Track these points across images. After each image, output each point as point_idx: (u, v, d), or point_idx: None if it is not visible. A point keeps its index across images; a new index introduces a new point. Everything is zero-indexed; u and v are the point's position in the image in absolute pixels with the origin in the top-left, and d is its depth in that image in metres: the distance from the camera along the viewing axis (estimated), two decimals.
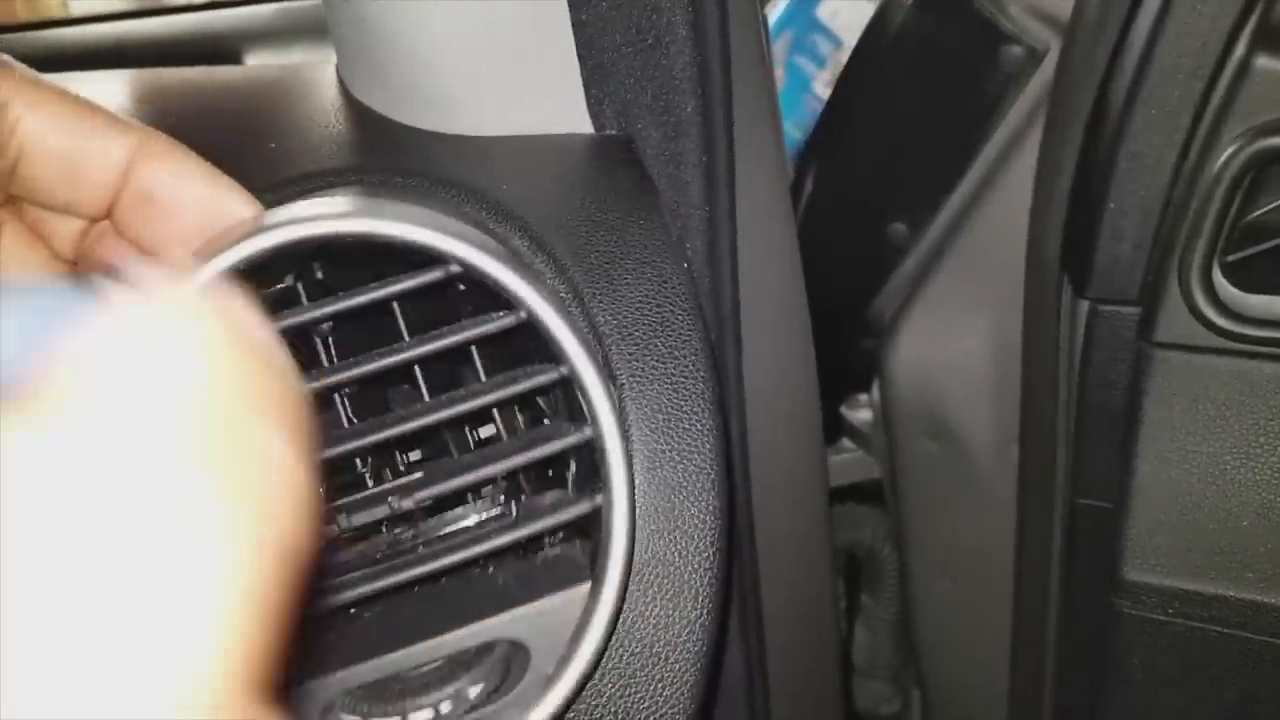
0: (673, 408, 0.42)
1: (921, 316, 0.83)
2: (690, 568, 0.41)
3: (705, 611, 0.41)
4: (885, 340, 0.85)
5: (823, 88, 1.21)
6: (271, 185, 0.44)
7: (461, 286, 0.40)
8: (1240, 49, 0.57)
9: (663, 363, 0.43)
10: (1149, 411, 0.61)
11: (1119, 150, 0.61)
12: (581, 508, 0.38)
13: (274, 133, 0.53)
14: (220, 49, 0.77)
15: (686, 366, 0.43)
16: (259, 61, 0.77)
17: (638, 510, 0.39)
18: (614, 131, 0.52)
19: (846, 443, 0.94)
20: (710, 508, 0.42)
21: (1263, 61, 0.57)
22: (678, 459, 0.41)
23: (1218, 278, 0.59)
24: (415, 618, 0.38)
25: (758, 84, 0.60)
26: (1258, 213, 0.60)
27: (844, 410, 0.94)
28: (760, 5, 0.81)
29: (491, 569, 0.39)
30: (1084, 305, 0.65)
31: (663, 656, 0.40)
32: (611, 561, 0.38)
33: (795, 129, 1.09)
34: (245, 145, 0.51)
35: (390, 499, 0.37)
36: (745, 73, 0.57)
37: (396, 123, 0.51)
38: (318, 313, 0.37)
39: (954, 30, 0.72)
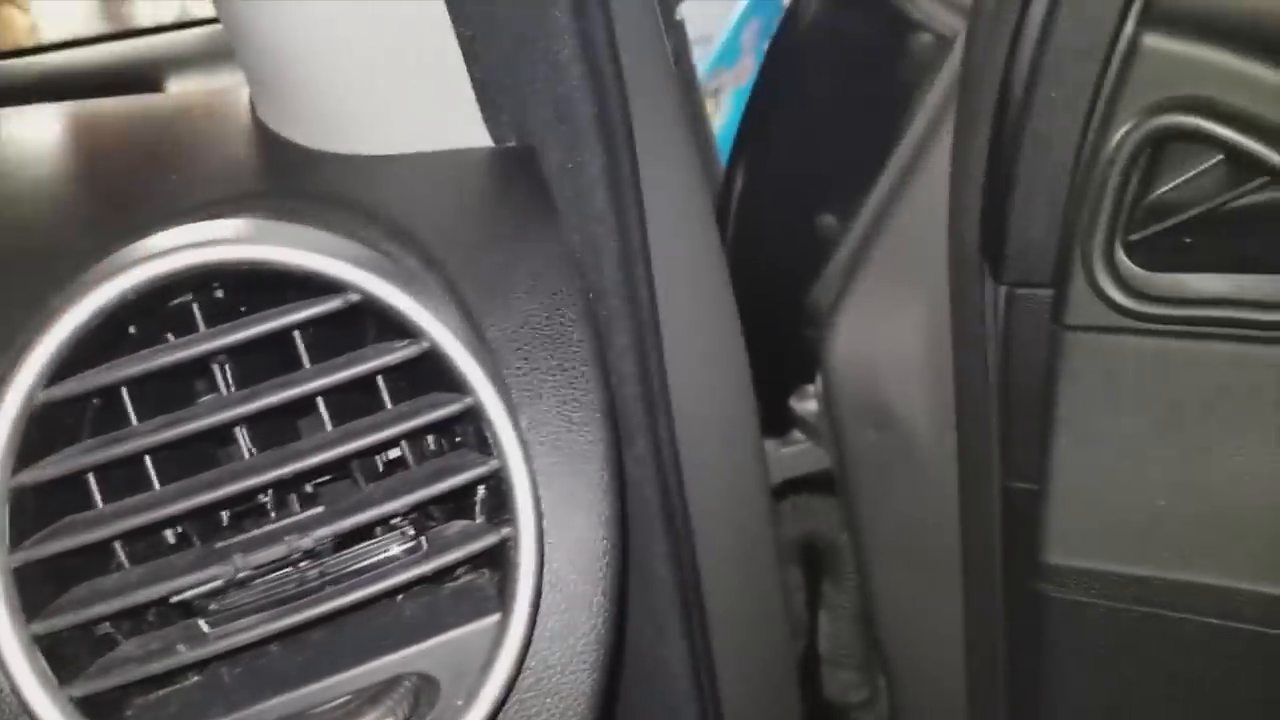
0: (562, 421, 0.43)
1: (857, 305, 0.84)
2: (585, 580, 0.42)
3: (600, 621, 0.42)
4: (823, 330, 0.86)
5: None
6: (166, 217, 0.44)
7: (366, 312, 0.40)
8: (1129, 27, 0.58)
9: (552, 375, 0.44)
10: (1064, 394, 0.62)
11: (1023, 133, 0.62)
12: (489, 540, 0.39)
13: (178, 162, 0.54)
14: (144, 76, 0.78)
15: (576, 378, 0.44)
16: (182, 87, 0.78)
17: (544, 539, 0.40)
18: (512, 144, 0.52)
19: (797, 434, 0.95)
20: (601, 518, 0.42)
21: (1151, 40, 0.57)
22: (568, 473, 0.42)
23: (1120, 257, 0.60)
24: (321, 653, 0.39)
25: (662, 84, 0.60)
26: (1160, 191, 0.61)
27: (792, 402, 0.95)
28: (670, 6, 0.82)
29: (399, 599, 0.40)
30: (1002, 290, 0.66)
31: (565, 670, 0.41)
32: (520, 593, 0.39)
33: None
34: (147, 177, 0.52)
35: (288, 537, 0.37)
36: (647, 74, 0.58)
37: (298, 145, 0.52)
38: (208, 346, 0.38)
39: (865, 20, 0.73)
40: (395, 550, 0.40)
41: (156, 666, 0.36)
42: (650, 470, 0.58)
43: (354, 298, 0.38)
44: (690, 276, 0.65)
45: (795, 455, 0.94)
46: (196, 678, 0.38)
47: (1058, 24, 0.60)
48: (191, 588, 0.37)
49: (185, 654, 0.36)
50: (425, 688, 0.39)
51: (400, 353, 0.39)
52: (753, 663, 0.76)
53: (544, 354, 0.44)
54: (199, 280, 0.39)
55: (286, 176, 0.50)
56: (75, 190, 0.52)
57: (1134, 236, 0.60)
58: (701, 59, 2.32)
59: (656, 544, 0.60)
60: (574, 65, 0.51)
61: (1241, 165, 0.55)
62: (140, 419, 0.38)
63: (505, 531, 0.39)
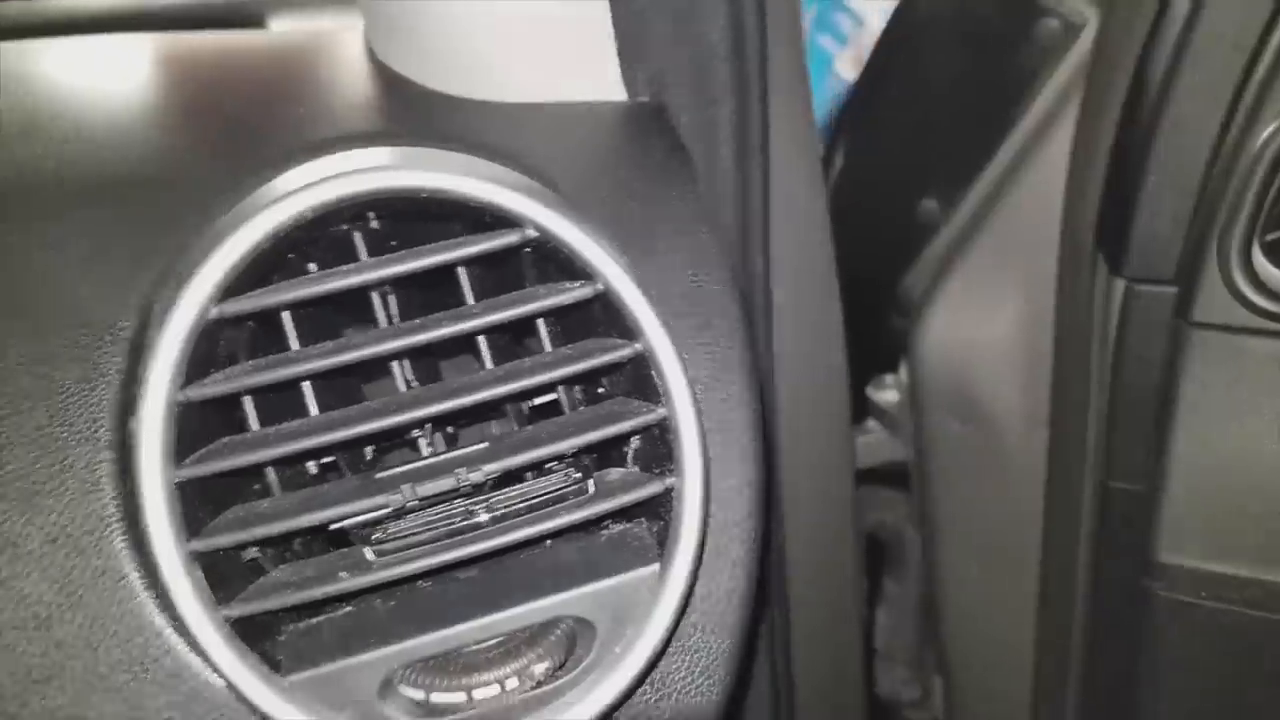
0: (711, 379, 0.43)
1: (952, 295, 0.84)
2: (735, 539, 0.42)
3: (745, 582, 0.42)
4: (914, 319, 0.85)
5: (845, 66, 1.21)
6: (307, 147, 0.44)
7: (527, 249, 0.40)
8: None
9: (700, 332, 0.43)
10: (1185, 392, 0.62)
11: (1158, 125, 0.62)
12: (653, 488, 0.39)
13: (302, 98, 0.53)
14: (243, 13, 0.77)
15: (724, 336, 0.44)
16: (283, 27, 0.78)
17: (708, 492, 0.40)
18: (647, 99, 0.53)
19: (871, 424, 0.95)
20: (747, 479, 0.42)
21: None
22: (716, 431, 0.42)
23: (1258, 257, 0.59)
24: (479, 591, 0.38)
25: (791, 55, 0.60)
26: None
27: (869, 391, 0.95)
28: None
29: (555, 544, 0.40)
30: (1120, 284, 0.66)
31: (708, 630, 0.41)
32: (682, 545, 0.39)
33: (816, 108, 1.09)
34: (274, 110, 0.51)
35: (458, 470, 0.37)
36: (779, 43, 0.57)
37: (428, 89, 0.52)
38: (379, 274, 0.38)
39: (988, 3, 0.72)
40: (557, 491, 0.39)
41: (318, 591, 0.36)
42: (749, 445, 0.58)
43: (531, 234, 0.38)
44: (801, 249, 0.64)
45: (869, 445, 0.93)
46: (349, 608, 0.38)
47: (1204, 16, 0.59)
48: (360, 514, 0.37)
49: (348, 581, 0.36)
50: (582, 632, 0.39)
51: (575, 293, 0.39)
52: (825, 646, 0.76)
53: (693, 310, 0.44)
54: (367, 207, 0.39)
55: (418, 118, 0.50)
56: (197, 121, 0.52)
57: (1270, 237, 0.60)
58: None
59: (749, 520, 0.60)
60: (716, 26, 0.51)
61: None
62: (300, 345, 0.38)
63: (670, 481, 0.39)
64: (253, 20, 0.74)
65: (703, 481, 0.39)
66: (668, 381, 0.39)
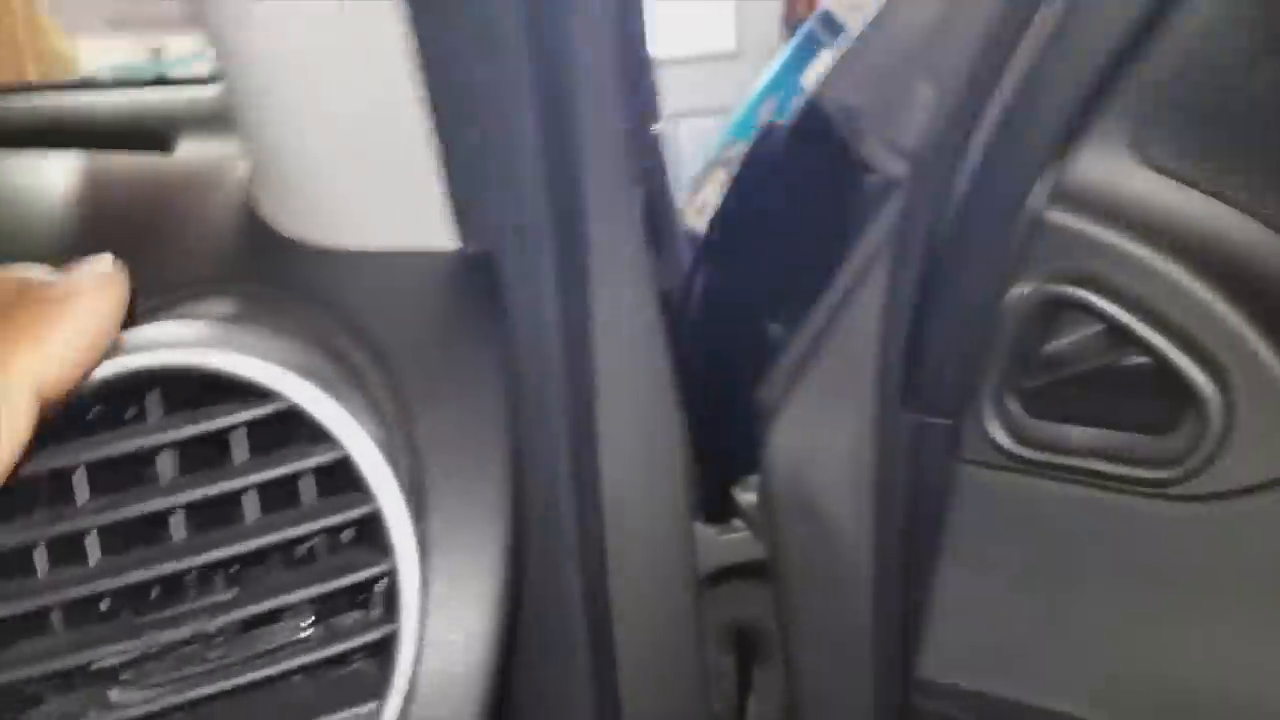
0: (466, 527, 0.48)
1: (796, 409, 0.91)
2: (462, 680, 0.47)
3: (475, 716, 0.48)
4: (765, 427, 0.92)
5: None
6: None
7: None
8: (1038, 202, 0.65)
9: (465, 478, 0.49)
10: (952, 519, 0.69)
11: (943, 279, 0.70)
12: (372, 635, 0.45)
13: (165, 236, 0.60)
14: (152, 135, 0.84)
15: (486, 483, 0.49)
16: (193, 146, 0.86)
17: (424, 639, 0.46)
18: (474, 248, 0.58)
19: (737, 522, 1.01)
20: (476, 631, 0.47)
21: (1054, 216, 0.65)
22: (452, 581, 0.47)
23: (1009, 403, 0.67)
24: None
25: (616, 191, 0.65)
26: (1060, 343, 0.68)
27: (735, 491, 1.01)
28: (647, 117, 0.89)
29: (298, 679, 0.46)
30: (911, 418, 0.73)
31: None
32: (394, 687, 0.44)
33: None
34: (132, 248, 0.58)
35: (195, 621, 0.43)
36: (604, 183, 0.63)
37: (276, 231, 0.58)
38: (151, 440, 0.43)
39: (822, 155, 0.81)
40: (293, 636, 0.45)
41: None
42: (576, 563, 0.65)
43: (282, 405, 0.44)
44: (632, 376, 0.71)
45: (732, 543, 1.00)
46: None
47: (979, 189, 0.67)
48: (106, 658, 0.43)
49: (91, 718, 0.42)
50: None
51: (316, 459, 0.45)
52: None
53: (461, 458, 0.50)
54: (147, 379, 0.44)
55: (261, 263, 0.57)
56: (50, 249, 0.58)
57: (1030, 383, 0.67)
58: (717, 130, 2.41)
59: (577, 630, 0.66)
60: (534, 181, 0.57)
61: (1119, 338, 0.62)
62: (94, 489, 0.44)
63: (388, 629, 0.45)
64: (160, 142, 0.82)
65: (417, 629, 0.45)
66: (393, 539, 0.44)
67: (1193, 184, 0.60)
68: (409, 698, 0.45)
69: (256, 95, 0.53)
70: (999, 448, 0.66)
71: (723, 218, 0.91)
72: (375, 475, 0.44)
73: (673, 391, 0.75)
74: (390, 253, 0.56)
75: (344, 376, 0.48)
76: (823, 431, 0.91)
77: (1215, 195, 0.60)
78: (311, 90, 0.52)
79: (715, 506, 1.04)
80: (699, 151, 2.30)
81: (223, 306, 0.53)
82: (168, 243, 0.60)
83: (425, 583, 0.46)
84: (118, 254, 0.57)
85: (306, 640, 0.46)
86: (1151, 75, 0.60)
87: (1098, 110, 0.61)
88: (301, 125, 0.53)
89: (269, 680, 0.44)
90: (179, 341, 0.44)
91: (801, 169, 0.83)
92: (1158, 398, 0.62)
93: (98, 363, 0.40)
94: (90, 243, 0.58)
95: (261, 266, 0.56)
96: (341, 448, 0.44)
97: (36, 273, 0.40)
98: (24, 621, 0.43)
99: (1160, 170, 0.61)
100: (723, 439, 1.01)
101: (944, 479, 0.70)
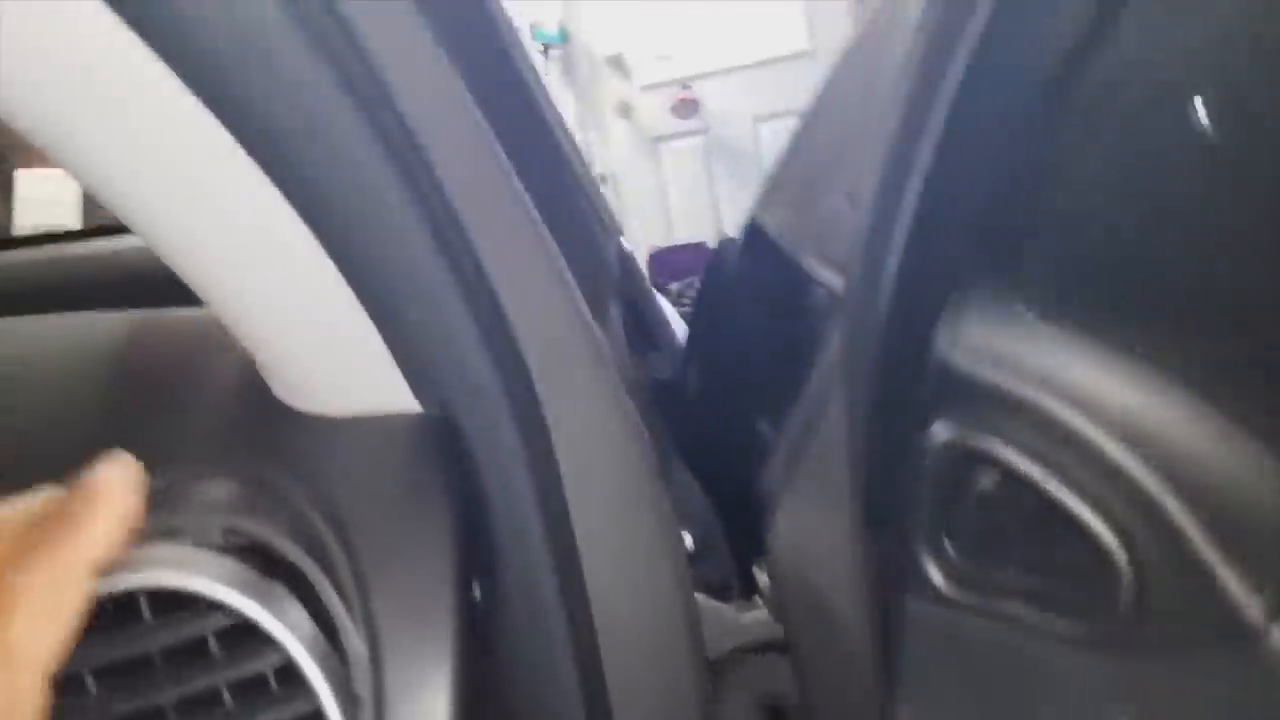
0: (411, 688, 0.52)
1: (792, 501, 0.92)
2: None
3: None
4: (768, 514, 0.94)
5: None
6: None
7: None
8: (943, 344, 0.64)
9: (417, 651, 0.52)
10: (905, 654, 0.70)
11: (872, 417, 0.70)
12: None
13: (177, 399, 0.64)
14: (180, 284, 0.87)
15: (435, 657, 0.52)
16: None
17: None
18: (434, 411, 0.59)
19: (757, 600, 1.04)
20: None
21: (959, 360, 0.64)
22: None
23: (946, 541, 0.67)
24: None
25: (574, 332, 0.68)
26: (991, 482, 0.68)
27: (755, 570, 1.04)
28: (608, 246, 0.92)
29: None
30: (871, 535, 0.74)
31: None
32: None
33: None
34: (150, 413, 0.63)
35: None
36: (557, 319, 0.65)
37: (268, 396, 0.60)
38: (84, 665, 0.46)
39: (774, 271, 0.81)
40: None
41: None
42: (571, 673, 0.68)
43: (225, 623, 0.48)
44: (616, 498, 0.73)
45: (753, 623, 1.02)
46: None
47: (892, 319, 0.67)
48: None
49: None
50: None
51: (250, 666, 0.48)
52: None
53: (414, 629, 0.52)
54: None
55: (255, 434, 0.59)
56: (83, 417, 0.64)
57: (963, 524, 0.67)
58: None
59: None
60: (472, 346, 0.58)
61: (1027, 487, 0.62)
62: None
63: None
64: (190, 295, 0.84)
65: None
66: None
67: (1099, 338, 0.59)
68: None
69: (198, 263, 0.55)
70: (934, 587, 0.66)
71: (696, 323, 0.92)
72: (315, 682, 0.47)
73: (661, 500, 0.76)
74: (360, 418, 0.58)
75: (271, 591, 0.50)
76: (815, 528, 0.92)
77: (1124, 350, 0.58)
78: (227, 257, 0.54)
79: (742, 584, 1.06)
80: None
81: (217, 491, 0.55)
82: (181, 410, 0.63)
83: None
84: (131, 422, 0.61)
85: None
86: (1050, 228, 0.58)
87: (991, 253, 0.60)
88: (235, 292, 0.55)
89: None
90: (154, 562, 0.47)
91: (754, 284, 0.83)
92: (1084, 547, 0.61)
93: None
94: (108, 408, 0.63)
95: (256, 438, 0.59)
96: (279, 654, 0.47)
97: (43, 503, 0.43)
98: None
99: (1062, 323, 0.59)
100: (741, 517, 1.03)
101: (895, 609, 0.71)
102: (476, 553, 0.60)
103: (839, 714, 0.98)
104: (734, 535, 1.10)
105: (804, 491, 0.92)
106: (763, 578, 1.05)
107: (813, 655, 0.97)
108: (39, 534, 0.41)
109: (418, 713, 0.52)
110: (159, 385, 0.67)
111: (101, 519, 0.41)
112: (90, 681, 0.47)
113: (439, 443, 0.59)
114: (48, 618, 0.39)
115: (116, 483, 0.43)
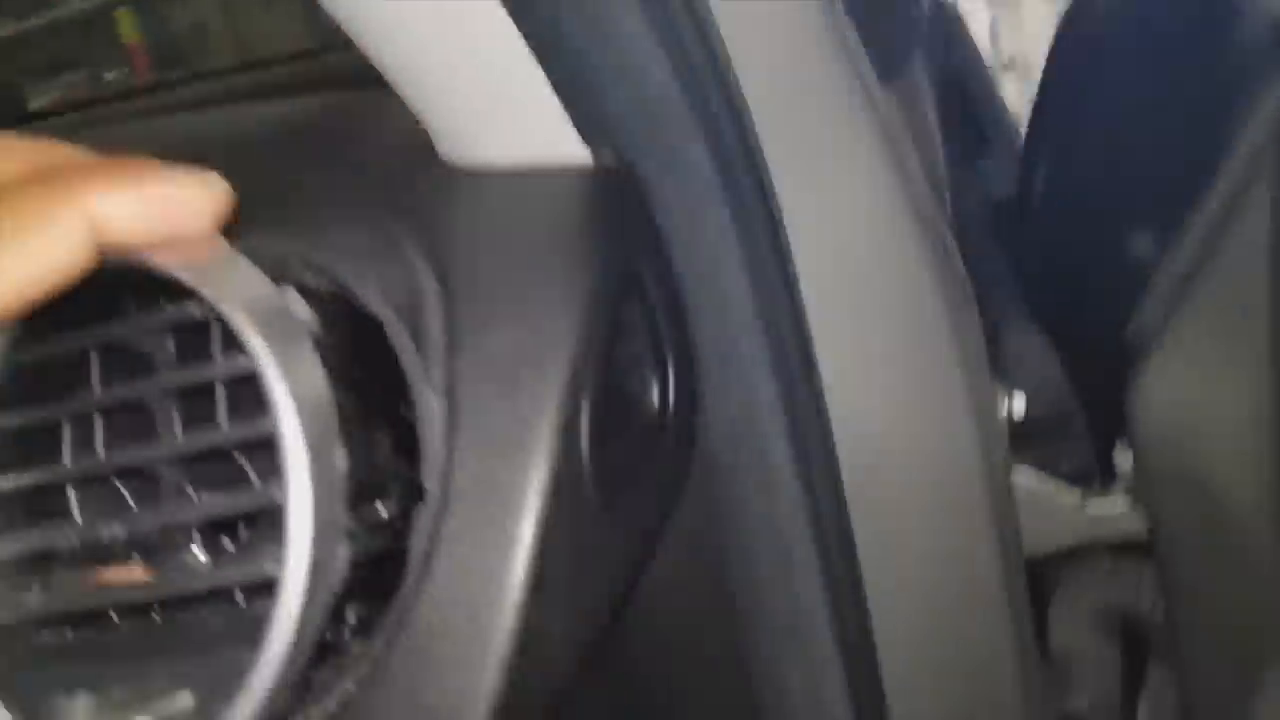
0: (496, 478, 0.43)
1: (1175, 351, 0.71)
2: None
3: None
4: (1135, 374, 0.73)
5: None
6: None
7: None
8: None
9: (500, 418, 0.44)
10: None
11: None
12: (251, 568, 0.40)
13: (328, 159, 0.58)
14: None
15: (522, 430, 0.43)
16: None
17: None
18: (608, 162, 0.50)
19: (1116, 489, 0.82)
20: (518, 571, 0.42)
21: None
22: (487, 538, 0.42)
23: None
24: (122, 639, 0.43)
25: (819, 78, 0.54)
26: None
27: (1115, 452, 0.82)
28: None
29: (204, 611, 0.43)
30: None
31: None
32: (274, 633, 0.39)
33: None
34: (296, 173, 0.56)
35: (104, 529, 0.42)
36: (791, 70, 0.52)
37: (427, 149, 0.53)
38: (86, 342, 0.42)
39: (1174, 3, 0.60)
40: (187, 562, 0.42)
41: None
42: (802, 515, 0.54)
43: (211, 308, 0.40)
44: (866, 275, 0.57)
45: (1102, 515, 0.81)
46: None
47: None
48: (19, 554, 0.42)
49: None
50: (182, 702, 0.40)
51: (224, 367, 0.40)
52: None
53: (505, 393, 0.44)
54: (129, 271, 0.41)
55: (392, 187, 0.52)
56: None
57: None
58: None
59: (814, 603, 0.55)
60: (658, 78, 0.48)
61: None
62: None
63: (267, 568, 0.39)
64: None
65: (307, 571, 0.38)
66: (287, 469, 0.38)
67: None
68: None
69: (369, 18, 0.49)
70: None
71: (1045, 101, 0.70)
72: (282, 398, 0.38)
73: (939, 293, 0.58)
74: (515, 172, 0.50)
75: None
76: (1213, 381, 0.69)
77: None
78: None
79: (1097, 469, 0.85)
80: None
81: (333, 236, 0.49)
82: (340, 169, 0.57)
83: (315, 519, 0.39)
84: (292, 184, 0.55)
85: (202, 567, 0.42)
86: None
87: None
88: (397, 33, 0.48)
89: (173, 603, 0.42)
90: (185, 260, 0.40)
91: (1143, 26, 0.61)
92: None
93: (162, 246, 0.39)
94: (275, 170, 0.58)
95: (400, 194, 0.52)
96: (251, 360, 0.39)
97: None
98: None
99: None
100: (1104, 385, 0.82)
101: None
102: (634, 328, 0.49)
103: (1222, 642, 0.76)
104: (1094, 410, 0.88)
105: (1192, 337, 0.70)
106: (1125, 460, 0.82)
107: (1189, 561, 0.75)
108: (54, 172, 0.39)
109: (498, 485, 0.43)
110: (329, 150, 0.60)
111: (119, 184, 0.38)
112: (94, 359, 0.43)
113: (603, 200, 0.49)
114: (16, 248, 0.36)
115: (163, 172, 0.39)
